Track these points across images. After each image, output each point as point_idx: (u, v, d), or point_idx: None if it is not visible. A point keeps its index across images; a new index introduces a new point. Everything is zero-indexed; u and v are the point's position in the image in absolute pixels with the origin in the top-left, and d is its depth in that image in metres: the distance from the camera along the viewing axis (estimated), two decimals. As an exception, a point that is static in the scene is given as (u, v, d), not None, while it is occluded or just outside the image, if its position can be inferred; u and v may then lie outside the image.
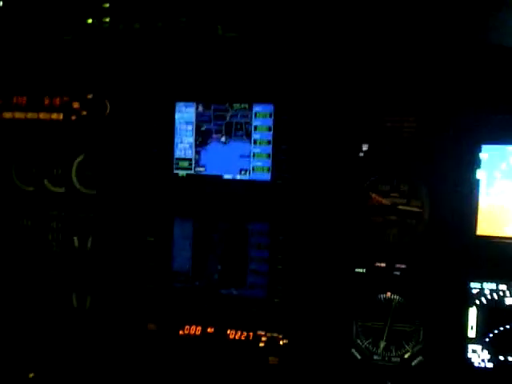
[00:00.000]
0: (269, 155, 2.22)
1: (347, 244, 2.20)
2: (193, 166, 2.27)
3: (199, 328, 2.27)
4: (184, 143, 2.28)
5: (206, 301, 2.27)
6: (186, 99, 2.27)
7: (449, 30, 2.01)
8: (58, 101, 2.34)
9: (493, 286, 2.13)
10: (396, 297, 2.18)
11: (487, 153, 2.12)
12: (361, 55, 2.13)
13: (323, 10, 2.07)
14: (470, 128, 2.12)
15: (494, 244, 2.11)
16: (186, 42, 2.14)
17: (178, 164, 2.28)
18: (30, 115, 2.35)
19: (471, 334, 2.14)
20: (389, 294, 2.19)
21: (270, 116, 2.22)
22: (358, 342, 2.21)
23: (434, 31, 2.02)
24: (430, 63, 2.12)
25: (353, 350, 2.21)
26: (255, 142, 2.23)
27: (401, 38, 2.07)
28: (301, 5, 2.07)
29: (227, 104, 2.24)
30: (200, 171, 2.27)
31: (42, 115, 2.34)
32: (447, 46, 2.04)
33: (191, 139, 2.27)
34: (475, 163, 2.13)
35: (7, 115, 2.37)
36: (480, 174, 2.13)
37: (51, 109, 2.34)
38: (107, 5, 2.17)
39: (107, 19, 2.18)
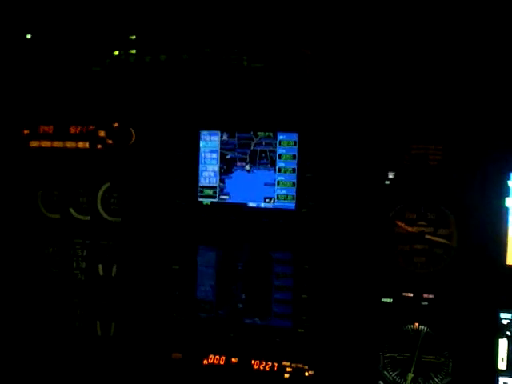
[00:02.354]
0: (293, 183, 2.21)
1: (373, 273, 2.17)
2: (217, 193, 2.27)
3: (223, 358, 2.25)
4: (208, 171, 2.28)
5: (230, 330, 2.25)
6: (211, 128, 2.28)
7: (474, 59, 2.00)
8: (84, 130, 2.36)
9: (523, 316, 2.07)
10: (424, 327, 2.14)
11: (516, 181, 2.09)
12: (387, 82, 2.12)
13: (346, 36, 2.07)
14: (499, 155, 2.09)
15: (524, 273, 2.06)
16: (211, 72, 2.15)
17: (202, 192, 2.29)
18: (56, 144, 2.38)
19: (502, 365, 2.08)
20: (416, 324, 2.14)
21: (295, 144, 2.21)
22: (385, 373, 2.17)
23: (461, 61, 2.00)
24: (457, 91, 2.10)
25: (380, 382, 2.17)
26: (280, 170, 2.23)
27: (428, 67, 2.06)
28: (324, 34, 2.07)
29: (251, 132, 2.24)
30: (224, 199, 2.27)
31: (68, 144, 2.37)
32: (474, 73, 2.03)
33: (216, 167, 2.28)
34: (504, 191, 2.09)
35: (34, 144, 2.40)
36: (509, 202, 2.09)
37: (77, 137, 2.37)
38: (134, 37, 2.20)
39: (133, 51, 2.21)
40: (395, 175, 2.18)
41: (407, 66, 2.06)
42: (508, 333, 2.08)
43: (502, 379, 2.08)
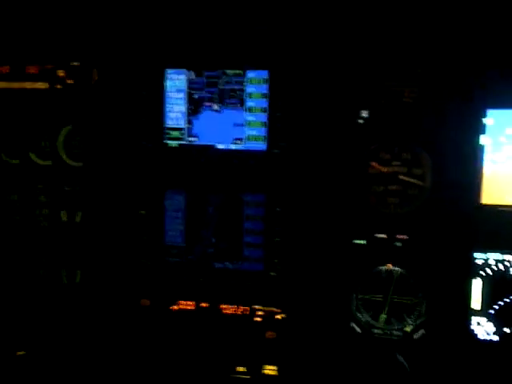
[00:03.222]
0: (264, 123, 2.13)
1: (346, 215, 2.12)
2: (185, 135, 2.17)
3: (193, 303, 2.19)
4: (175, 112, 2.18)
5: (199, 275, 2.19)
6: (177, 66, 2.16)
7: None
8: (42, 69, 2.23)
9: (498, 256, 2.05)
10: (397, 269, 2.10)
11: (492, 118, 2.03)
12: (359, 18, 2.03)
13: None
14: (474, 92, 2.02)
15: (499, 213, 2.03)
16: (175, 5, 2.03)
17: (169, 134, 2.19)
18: (13, 85, 2.25)
19: (475, 305, 2.07)
20: (390, 265, 2.11)
21: (265, 82, 2.11)
22: (358, 315, 2.14)
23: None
24: (431, 26, 2.02)
25: (352, 324, 2.14)
26: (250, 110, 2.13)
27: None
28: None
29: (220, 70, 2.13)
30: (192, 141, 2.17)
31: (25, 85, 2.24)
32: (448, 11, 1.95)
33: (183, 108, 2.17)
34: (479, 129, 2.03)
35: (-11, 85, 2.26)
36: (484, 140, 2.03)
37: (35, 78, 2.23)
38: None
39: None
40: (369, 114, 2.10)
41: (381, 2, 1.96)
42: (482, 273, 2.06)
43: (475, 319, 2.07)
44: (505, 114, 2.02)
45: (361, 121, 2.11)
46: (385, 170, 2.10)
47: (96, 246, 2.24)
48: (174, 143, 2.19)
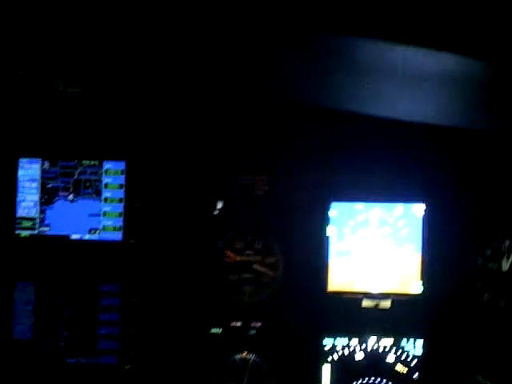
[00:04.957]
0: (120, 214, 2.14)
1: (203, 304, 2.15)
2: (37, 225, 2.13)
3: (42, 402, 2.09)
4: (27, 201, 2.13)
5: (50, 372, 2.10)
6: (31, 155, 2.14)
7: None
8: None
9: (345, 341, 2.15)
10: (252, 356, 2.14)
11: (336, 210, 2.18)
12: (211, 115, 2.13)
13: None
14: (320, 186, 2.17)
15: (344, 299, 2.15)
16: (27, 96, 2.02)
17: (20, 223, 2.13)
18: None
19: (326, 390, 2.14)
20: (245, 353, 2.14)
21: (122, 173, 2.14)
22: (215, 405, 2.14)
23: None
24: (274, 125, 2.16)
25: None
26: (106, 200, 2.14)
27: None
28: (150, 61, 2.02)
29: (76, 161, 2.13)
30: (44, 231, 2.13)
31: None
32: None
33: (36, 197, 2.13)
34: (325, 220, 2.17)
35: None
36: (330, 231, 2.17)
37: None
38: None
39: None
40: (224, 205, 2.18)
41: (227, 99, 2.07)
42: (330, 358, 2.15)
43: (325, 403, 2.14)
44: (347, 207, 2.18)
45: (216, 212, 2.18)
46: (239, 258, 2.17)
47: None
48: (25, 233, 2.13)
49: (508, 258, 1.86)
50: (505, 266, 1.87)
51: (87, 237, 2.13)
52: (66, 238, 2.13)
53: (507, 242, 1.88)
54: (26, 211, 2.14)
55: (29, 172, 2.14)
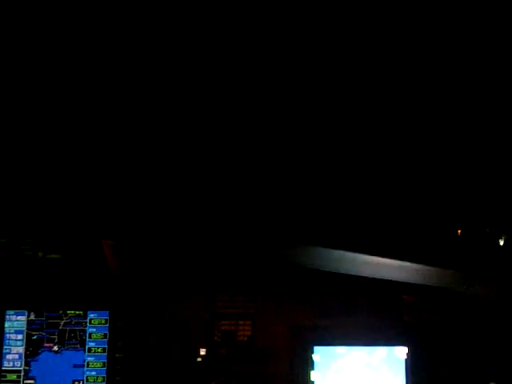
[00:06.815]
0: (104, 364, 2.15)
1: None
2: (21, 378, 2.14)
3: None
4: (13, 353, 2.16)
5: None
6: (17, 307, 2.18)
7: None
8: None
9: None
10: None
11: (319, 354, 2.18)
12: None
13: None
14: (303, 331, 2.19)
15: None
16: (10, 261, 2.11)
17: (5, 377, 2.15)
18: None
19: None
20: None
21: (106, 322, 2.17)
22: None
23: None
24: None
25: None
26: (90, 351, 2.16)
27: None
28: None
29: (60, 311, 2.18)
30: (29, 384, 2.15)
31: None
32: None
33: (21, 349, 2.16)
34: (309, 364, 2.18)
35: None
36: (313, 376, 2.17)
37: None
38: None
39: None
40: (206, 352, 2.20)
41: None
42: None
43: None
44: (329, 351, 2.19)
45: (199, 359, 2.20)
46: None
47: None
48: (9, 387, 2.15)
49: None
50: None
51: (70, 389, 2.15)
52: (50, 390, 2.14)
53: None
54: (11, 364, 2.16)
55: (14, 324, 2.18)
